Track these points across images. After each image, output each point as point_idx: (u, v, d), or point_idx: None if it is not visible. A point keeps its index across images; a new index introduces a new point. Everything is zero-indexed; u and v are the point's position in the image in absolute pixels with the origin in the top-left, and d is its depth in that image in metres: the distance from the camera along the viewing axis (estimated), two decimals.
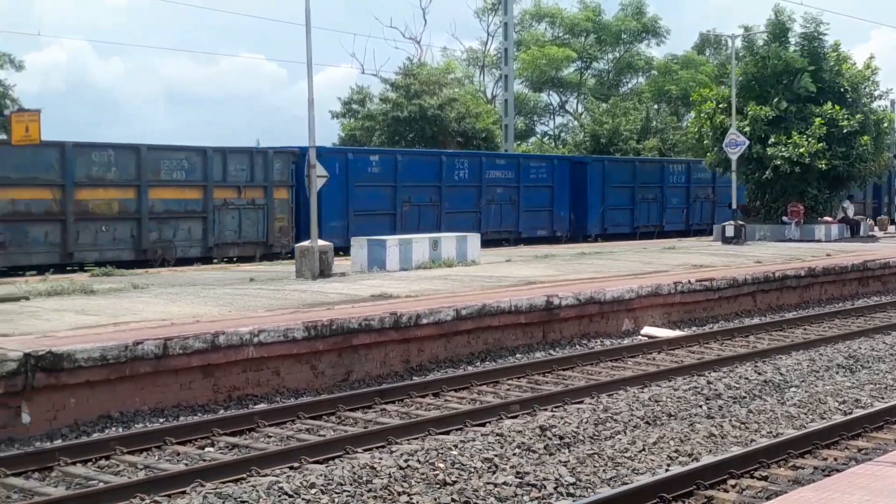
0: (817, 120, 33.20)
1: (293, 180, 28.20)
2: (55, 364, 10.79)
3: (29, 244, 23.30)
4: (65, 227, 23.89)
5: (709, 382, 12.98)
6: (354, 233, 26.34)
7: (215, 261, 25.93)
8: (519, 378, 13.79)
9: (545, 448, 9.85)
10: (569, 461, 9.26)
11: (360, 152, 32.43)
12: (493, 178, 34.54)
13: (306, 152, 24.93)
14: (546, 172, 36.51)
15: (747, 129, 33.83)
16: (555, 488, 8.55)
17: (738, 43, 37.10)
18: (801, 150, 32.81)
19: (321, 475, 8.70)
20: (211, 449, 10.29)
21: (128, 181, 25.07)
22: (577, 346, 16.42)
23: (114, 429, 10.91)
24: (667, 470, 9.03)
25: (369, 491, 8.41)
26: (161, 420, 11.31)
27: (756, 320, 19.63)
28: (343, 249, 24.85)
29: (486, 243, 30.12)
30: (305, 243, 20.03)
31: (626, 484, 8.58)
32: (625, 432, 10.55)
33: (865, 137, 34.29)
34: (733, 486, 8.72)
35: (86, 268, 22.54)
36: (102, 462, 9.75)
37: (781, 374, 13.69)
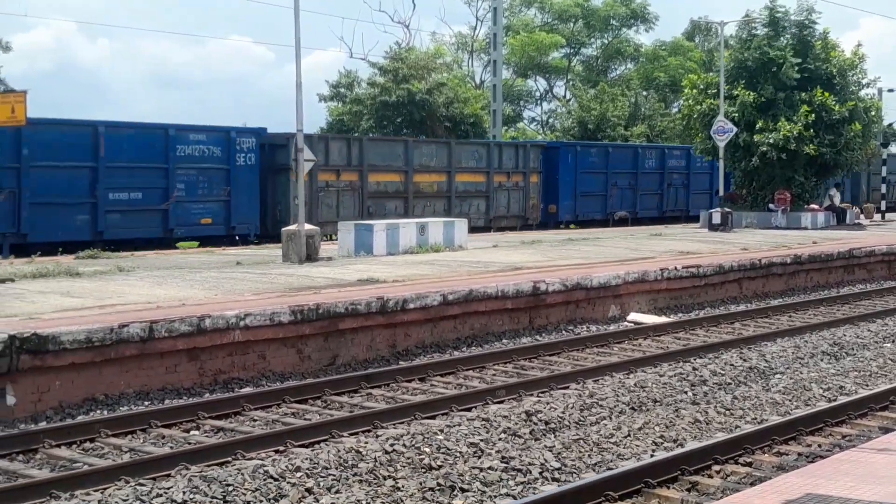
0: (804, 107, 33.23)
1: (542, 167, 36.51)
2: (40, 346, 10.74)
3: (385, 214, 30.30)
4: (406, 202, 31.73)
5: (694, 369, 13.01)
6: (580, 210, 37.45)
7: (492, 230, 33.58)
8: (505, 363, 13.80)
9: (531, 433, 9.86)
10: (554, 446, 9.28)
11: (585, 146, 40.22)
12: (672, 166, 41.66)
13: (552, 146, 38.50)
14: (706, 161, 41.53)
15: (736, 114, 33.85)
16: (540, 473, 8.56)
17: (729, 30, 37.11)
18: (784, 132, 32.82)
19: (307, 459, 8.70)
20: (196, 432, 10.27)
21: (443, 168, 32.98)
22: (564, 332, 16.43)
23: (99, 411, 10.87)
24: (652, 455, 9.05)
25: (355, 475, 8.41)
26: (146, 403, 11.28)
27: (742, 307, 19.69)
28: (572, 222, 36.78)
29: (664, 220, 39.84)
30: (292, 227, 19.95)
31: (611, 469, 8.60)
32: (610, 418, 10.57)
33: (857, 125, 34.30)
34: (718, 472, 8.74)
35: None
36: (87, 445, 9.73)
37: (766, 360, 13.73)
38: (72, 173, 24.33)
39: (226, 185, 27.22)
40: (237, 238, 27.01)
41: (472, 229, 29.82)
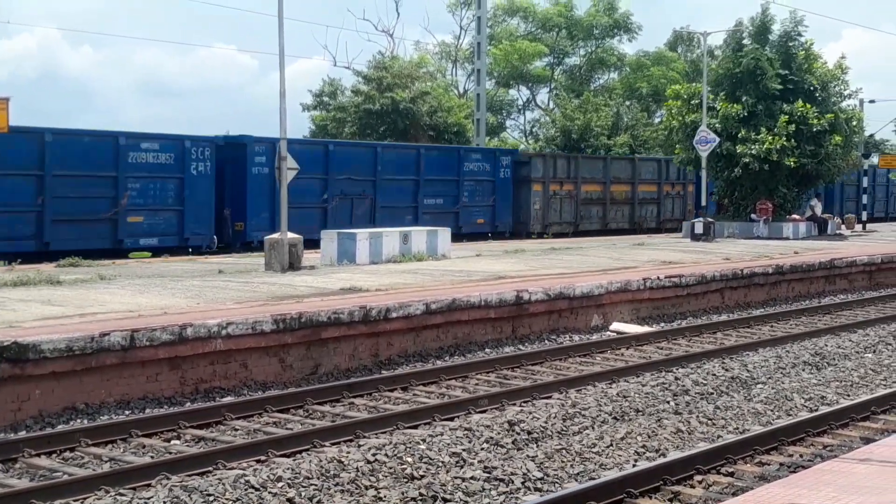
0: (783, 118, 33.39)
1: (694, 179, 41.22)
2: (20, 354, 10.68)
3: (591, 218, 38.72)
4: (604, 208, 39.23)
5: (676, 378, 13.03)
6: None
7: (662, 232, 39.38)
8: (488, 373, 13.79)
9: (513, 443, 9.85)
10: (537, 456, 9.27)
11: None
12: None
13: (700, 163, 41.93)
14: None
15: (718, 126, 33.97)
16: (522, 483, 8.55)
17: (712, 40, 37.30)
18: (767, 145, 32.99)
19: (288, 469, 8.66)
20: (177, 442, 10.22)
21: (628, 180, 40.37)
22: (546, 342, 16.43)
23: (79, 420, 10.81)
24: (634, 465, 9.06)
25: (336, 485, 8.38)
26: (127, 412, 11.22)
27: (724, 317, 19.74)
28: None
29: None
30: (275, 235, 19.90)
31: (594, 479, 8.59)
32: (592, 428, 10.57)
33: (837, 136, 34.45)
34: (700, 482, 8.75)
35: (606, 233, 37.38)
36: (67, 454, 9.67)
37: (748, 370, 13.76)
38: (404, 185, 32.53)
39: (492, 193, 35.35)
40: (497, 233, 35.30)
41: (647, 230, 39.60)
